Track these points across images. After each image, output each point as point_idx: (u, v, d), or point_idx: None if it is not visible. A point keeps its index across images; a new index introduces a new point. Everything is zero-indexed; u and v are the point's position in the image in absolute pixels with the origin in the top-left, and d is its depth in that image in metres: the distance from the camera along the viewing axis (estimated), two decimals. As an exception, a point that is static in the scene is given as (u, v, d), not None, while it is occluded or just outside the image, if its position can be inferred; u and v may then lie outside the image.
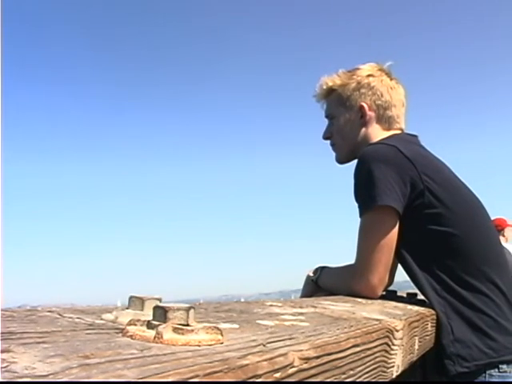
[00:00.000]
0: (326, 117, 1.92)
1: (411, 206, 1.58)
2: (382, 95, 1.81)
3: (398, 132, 1.82)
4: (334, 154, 1.91)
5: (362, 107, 1.81)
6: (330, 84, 1.87)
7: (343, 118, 1.85)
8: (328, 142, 1.91)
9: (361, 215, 1.60)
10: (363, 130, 1.82)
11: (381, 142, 1.69)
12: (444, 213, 1.59)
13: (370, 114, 1.81)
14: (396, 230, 1.59)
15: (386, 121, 1.82)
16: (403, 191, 1.56)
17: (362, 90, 1.82)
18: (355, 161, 1.79)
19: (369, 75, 1.83)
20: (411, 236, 1.61)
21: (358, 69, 1.87)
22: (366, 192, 1.58)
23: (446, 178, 1.67)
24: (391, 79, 1.85)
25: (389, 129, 1.82)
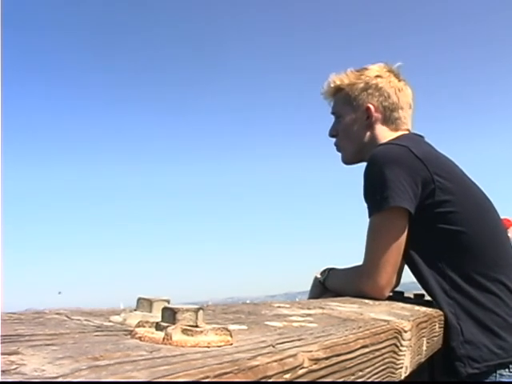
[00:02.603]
0: (333, 113, 1.91)
1: (422, 206, 1.57)
2: (389, 97, 1.80)
3: (406, 132, 1.82)
4: (339, 154, 1.90)
5: (368, 108, 1.80)
6: (338, 83, 1.86)
7: (349, 118, 1.84)
8: (333, 140, 1.91)
9: (370, 215, 1.60)
10: (369, 130, 1.81)
11: (392, 143, 1.68)
12: (455, 212, 1.59)
13: (377, 115, 1.80)
14: (406, 231, 1.58)
15: (392, 122, 1.81)
16: (415, 192, 1.56)
17: (370, 91, 1.81)
18: (361, 163, 1.78)
19: (377, 76, 1.82)
20: (421, 236, 1.61)
21: (367, 69, 1.86)
22: (377, 193, 1.56)
23: (457, 177, 1.67)
24: (399, 80, 1.84)
25: (396, 130, 1.81)
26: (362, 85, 1.82)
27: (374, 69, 1.85)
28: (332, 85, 1.88)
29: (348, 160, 1.89)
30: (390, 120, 1.81)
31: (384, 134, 1.80)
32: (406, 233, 1.58)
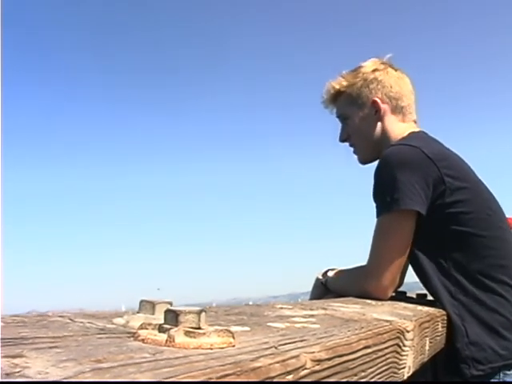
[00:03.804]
0: (338, 117, 1.90)
1: (432, 207, 1.56)
2: (391, 86, 1.79)
3: (415, 129, 1.80)
4: (355, 156, 1.88)
5: (374, 102, 1.79)
6: (337, 87, 1.85)
7: (358, 117, 1.82)
8: (343, 144, 1.89)
9: (378, 216, 1.59)
10: (380, 124, 1.80)
11: (403, 143, 1.67)
12: (464, 213, 1.58)
13: (384, 106, 1.79)
14: (412, 233, 1.58)
15: (399, 112, 1.80)
16: (426, 193, 1.55)
17: (371, 86, 1.80)
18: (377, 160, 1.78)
19: (374, 70, 1.82)
20: (428, 236, 1.60)
21: (362, 66, 1.85)
22: (387, 194, 1.56)
23: (467, 177, 1.66)
24: (396, 70, 1.84)
25: (403, 120, 1.80)
26: (361, 82, 1.81)
27: (369, 64, 1.85)
28: (332, 91, 1.86)
29: (365, 160, 1.87)
30: (397, 109, 1.80)
31: (394, 125, 1.79)
32: (412, 235, 1.58)
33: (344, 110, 1.87)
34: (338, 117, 1.90)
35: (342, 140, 1.89)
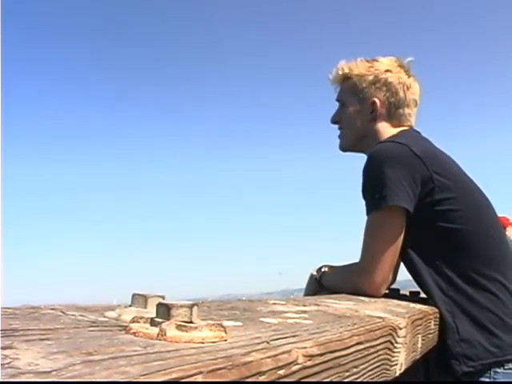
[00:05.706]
0: (337, 100, 1.90)
1: (420, 204, 1.57)
2: (396, 93, 1.78)
3: (407, 128, 1.80)
4: (338, 140, 1.90)
5: (374, 102, 1.79)
6: (347, 71, 1.84)
7: (354, 109, 1.83)
8: (334, 127, 1.91)
9: (368, 213, 1.60)
10: (372, 124, 1.80)
11: (391, 140, 1.67)
12: (453, 210, 1.59)
13: (381, 110, 1.79)
14: (403, 230, 1.58)
15: (396, 119, 1.80)
16: (414, 190, 1.56)
17: (378, 85, 1.79)
18: (357, 154, 1.79)
19: (387, 70, 1.80)
20: (419, 234, 1.61)
21: (377, 61, 1.83)
22: (376, 191, 1.56)
23: (456, 175, 1.67)
24: (409, 76, 1.82)
25: (398, 126, 1.80)
26: (370, 77, 1.80)
27: (385, 62, 1.83)
28: (340, 72, 1.86)
29: (345, 148, 1.90)
30: (394, 116, 1.80)
31: (386, 129, 1.79)
32: (403, 232, 1.59)
33: (344, 97, 1.87)
34: (337, 99, 1.91)
35: (333, 121, 1.91)
